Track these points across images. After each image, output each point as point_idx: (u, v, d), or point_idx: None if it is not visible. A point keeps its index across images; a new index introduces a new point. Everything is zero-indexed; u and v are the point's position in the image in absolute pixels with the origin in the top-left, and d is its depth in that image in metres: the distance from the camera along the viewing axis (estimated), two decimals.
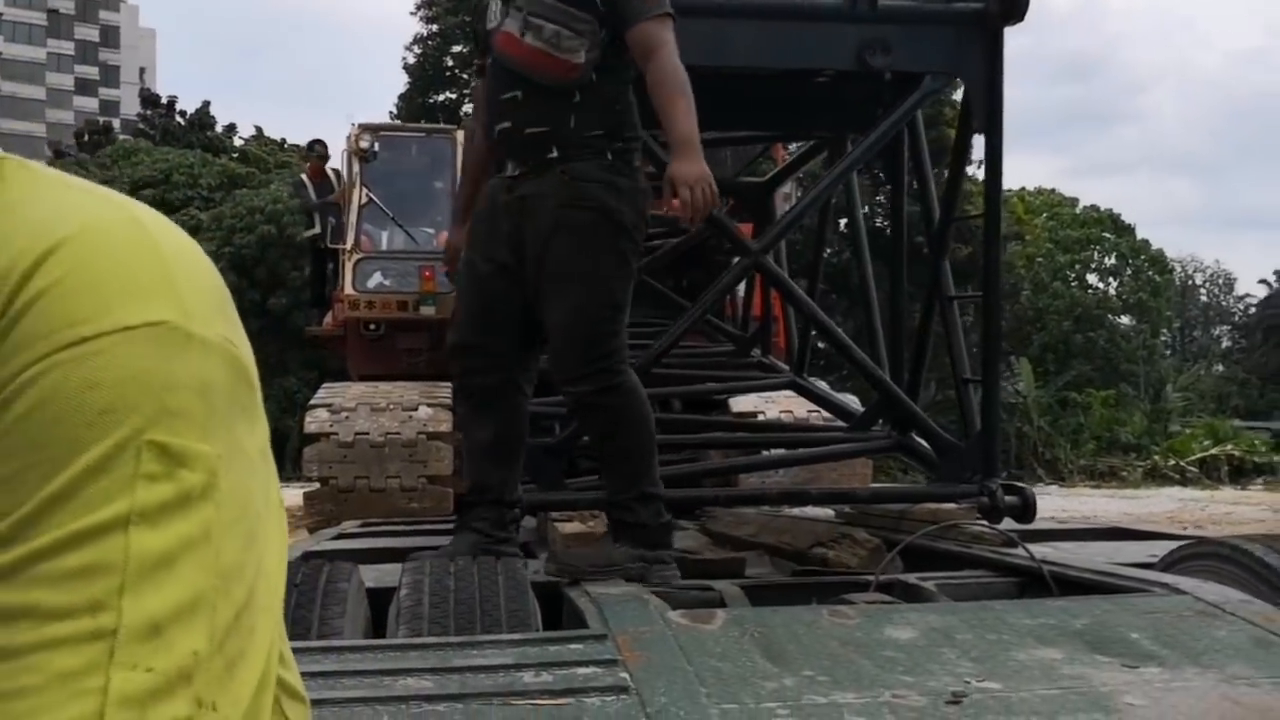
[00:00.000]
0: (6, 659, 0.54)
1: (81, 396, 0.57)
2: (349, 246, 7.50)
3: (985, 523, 3.83)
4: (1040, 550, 3.51)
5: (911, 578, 3.25)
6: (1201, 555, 3.07)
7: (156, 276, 0.61)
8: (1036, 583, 3.16)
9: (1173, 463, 24.86)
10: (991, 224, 4.11)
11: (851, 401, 5.62)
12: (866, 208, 18.73)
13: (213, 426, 0.60)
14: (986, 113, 3.99)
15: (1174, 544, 3.47)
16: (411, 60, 31.94)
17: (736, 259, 4.50)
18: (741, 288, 6.44)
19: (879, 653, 2.21)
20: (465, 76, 29.08)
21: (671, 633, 2.26)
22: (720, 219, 4.46)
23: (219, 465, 0.60)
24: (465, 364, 3.36)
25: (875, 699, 1.98)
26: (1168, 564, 3.15)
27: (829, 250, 17.94)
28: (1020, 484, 4.05)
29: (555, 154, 3.09)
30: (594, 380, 3.09)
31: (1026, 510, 3.91)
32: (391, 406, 6.25)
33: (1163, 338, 45.17)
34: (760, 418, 6.26)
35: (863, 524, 4.19)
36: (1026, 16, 3.84)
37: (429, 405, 6.19)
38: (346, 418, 6.16)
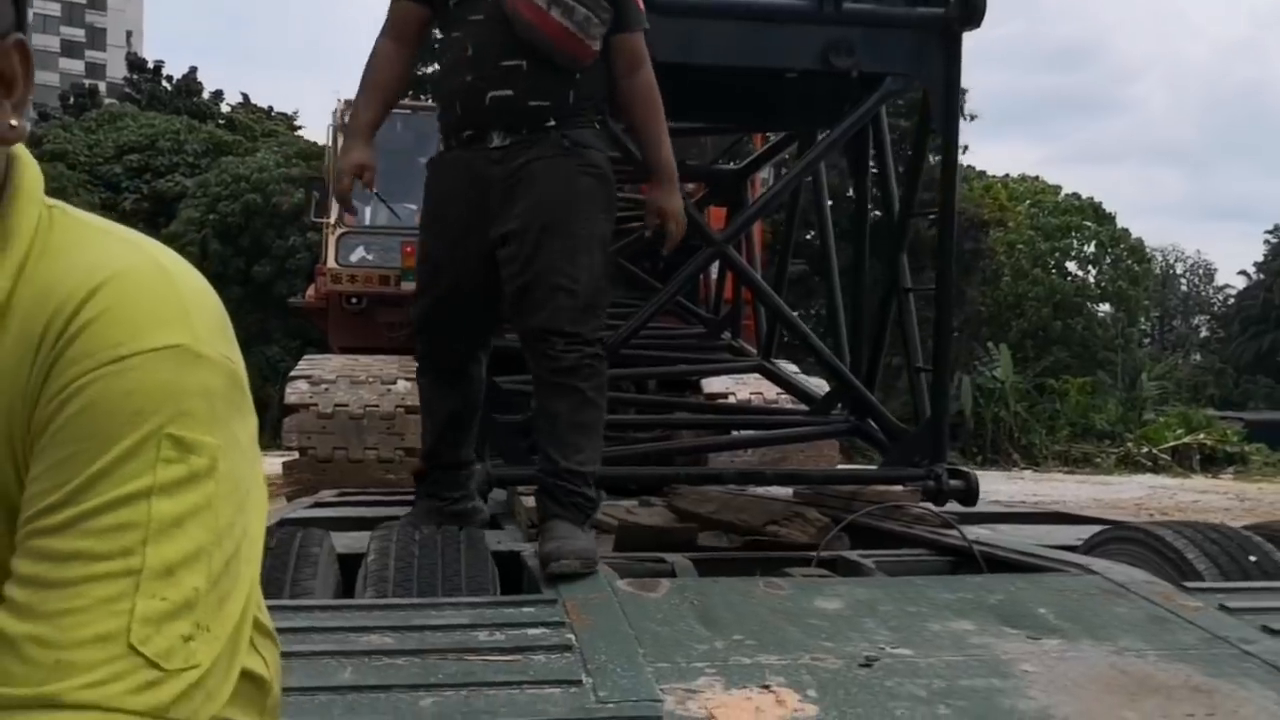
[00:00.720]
0: (61, 587, 0.75)
1: (119, 401, 0.79)
2: (332, 221, 7.64)
3: (929, 504, 4.05)
4: (980, 532, 3.72)
5: (853, 554, 3.46)
6: (1120, 539, 3.29)
7: (174, 310, 0.83)
8: (968, 561, 3.37)
9: (1146, 450, 25.11)
10: (945, 220, 4.25)
11: (821, 385, 5.79)
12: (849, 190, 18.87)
13: (215, 423, 0.83)
14: (943, 113, 4.17)
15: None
16: None
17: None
18: (715, 271, 6.61)
19: (805, 621, 2.42)
20: None
21: (617, 599, 2.46)
22: (688, 209, 4.63)
23: (219, 453, 0.82)
24: (432, 341, 3.41)
25: (795, 661, 2.18)
26: (1090, 546, 3.36)
27: (811, 234, 18.09)
28: (964, 468, 4.23)
29: (553, 123, 3.07)
30: (597, 344, 3.05)
31: (969, 494, 4.09)
32: (370, 379, 6.41)
33: (1141, 326, 45.51)
34: (731, 399, 6.46)
35: (817, 504, 4.40)
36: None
37: (407, 379, 6.32)
38: (326, 390, 6.32)
